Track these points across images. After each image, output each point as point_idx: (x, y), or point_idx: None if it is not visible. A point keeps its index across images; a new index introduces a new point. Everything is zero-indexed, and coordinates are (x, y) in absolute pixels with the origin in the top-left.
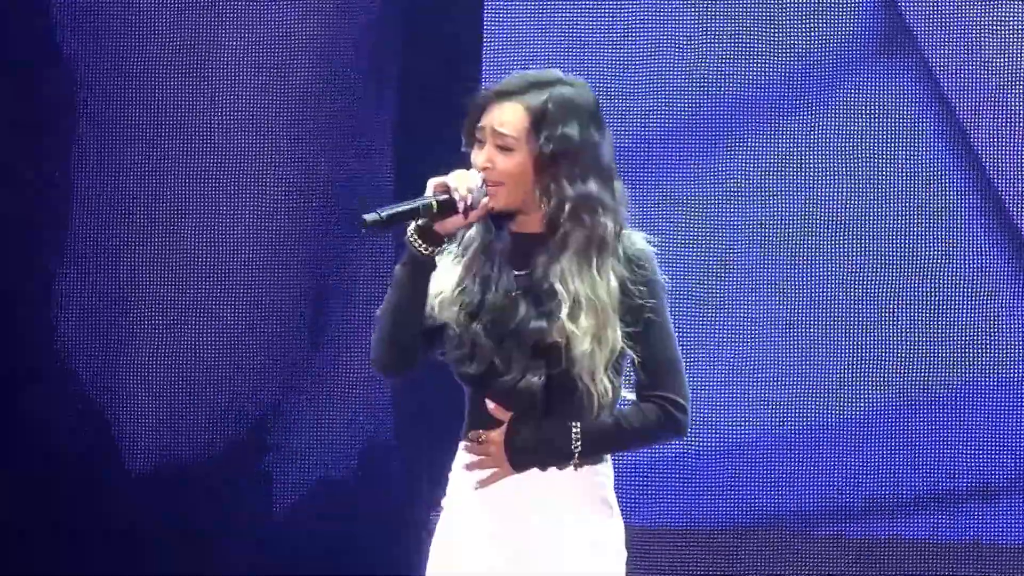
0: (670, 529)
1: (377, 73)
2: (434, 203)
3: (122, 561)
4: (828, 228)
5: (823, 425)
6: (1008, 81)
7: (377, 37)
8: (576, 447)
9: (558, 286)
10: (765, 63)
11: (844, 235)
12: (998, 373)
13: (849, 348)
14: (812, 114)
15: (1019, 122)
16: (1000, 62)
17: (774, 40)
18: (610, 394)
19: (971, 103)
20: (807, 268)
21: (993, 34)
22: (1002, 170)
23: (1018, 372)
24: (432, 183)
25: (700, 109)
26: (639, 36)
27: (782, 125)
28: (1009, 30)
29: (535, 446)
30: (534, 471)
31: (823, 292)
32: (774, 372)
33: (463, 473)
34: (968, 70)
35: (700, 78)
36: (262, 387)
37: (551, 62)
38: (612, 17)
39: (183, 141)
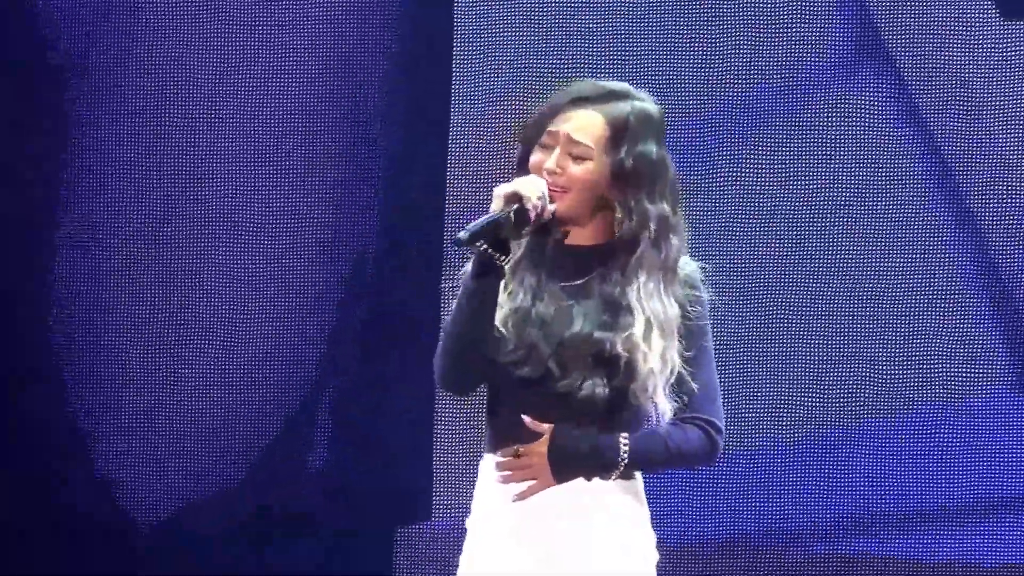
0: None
1: (374, 86)
2: (511, 215)
3: (120, 561)
4: (808, 239)
5: (818, 439)
6: (980, 89)
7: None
8: (623, 459)
9: (635, 303)
10: (739, 73)
11: (823, 246)
12: (993, 388)
13: (841, 363)
14: (788, 124)
15: (990, 128)
16: (972, 69)
17: (748, 50)
18: (668, 414)
19: (943, 110)
20: (793, 282)
21: (966, 43)
22: (972, 176)
23: (1009, 387)
24: (501, 193)
25: (676, 118)
26: (613, 44)
27: (758, 136)
28: (981, 38)
29: (583, 457)
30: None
31: (811, 305)
32: (765, 386)
33: (488, 490)
34: (941, 80)
35: (678, 87)
36: (254, 390)
37: (524, 65)
38: (583, 23)
39: (185, 144)
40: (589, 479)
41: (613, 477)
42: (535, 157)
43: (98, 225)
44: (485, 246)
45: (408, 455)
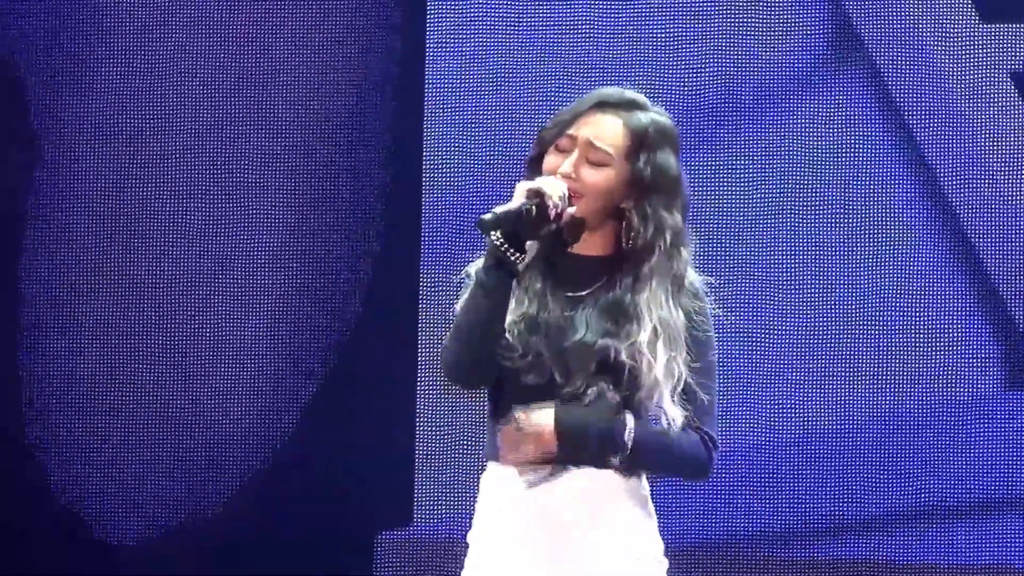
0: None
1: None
2: (533, 208)
3: (98, 567)
4: (795, 243)
5: (812, 441)
6: (960, 91)
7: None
8: (628, 440)
9: (644, 311)
10: (712, 78)
11: (811, 249)
12: (984, 387)
13: (835, 364)
14: (763, 127)
15: (968, 129)
16: (952, 71)
17: (722, 55)
18: (678, 422)
19: (924, 112)
20: (784, 285)
21: (946, 45)
22: (956, 177)
23: (1000, 386)
24: (524, 189)
25: None
26: (585, 48)
27: (740, 141)
28: (959, 40)
29: (589, 428)
30: (572, 482)
31: (804, 308)
32: (759, 388)
33: (492, 503)
34: (922, 82)
35: (657, 96)
36: (235, 395)
37: (494, 68)
38: (557, 39)
39: (151, 154)
40: (587, 460)
41: (616, 460)
42: (550, 160)
43: (71, 237)
44: (501, 240)
45: (389, 459)
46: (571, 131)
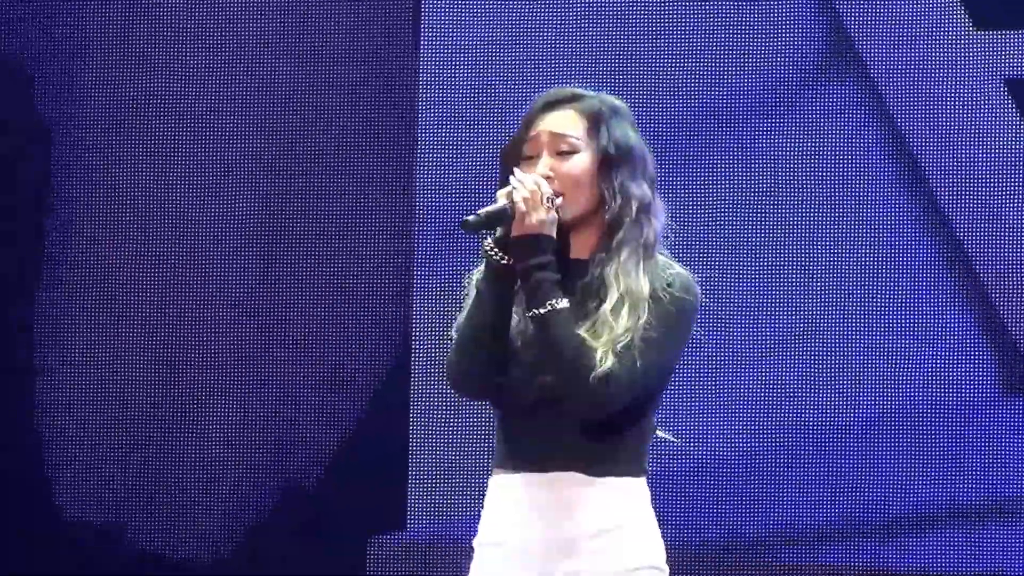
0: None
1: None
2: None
3: (91, 565)
4: (790, 244)
5: (796, 447)
6: (953, 97)
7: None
8: (546, 308)
9: (611, 281)
10: (705, 82)
11: (806, 251)
12: (979, 390)
13: (831, 367)
14: (756, 134)
15: (961, 136)
16: (945, 77)
17: (715, 60)
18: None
19: (915, 118)
20: (779, 287)
21: (939, 52)
22: (951, 182)
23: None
24: (504, 192)
25: (649, 127)
26: (582, 55)
27: (728, 144)
28: (953, 47)
29: (537, 274)
30: (575, 487)
31: (799, 310)
32: (754, 391)
33: (497, 509)
34: (915, 89)
35: (650, 96)
36: (229, 400)
37: (490, 77)
38: (550, 43)
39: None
40: (521, 273)
41: (530, 310)
42: (522, 172)
43: (89, 242)
44: (492, 246)
45: (382, 463)
46: (533, 132)
